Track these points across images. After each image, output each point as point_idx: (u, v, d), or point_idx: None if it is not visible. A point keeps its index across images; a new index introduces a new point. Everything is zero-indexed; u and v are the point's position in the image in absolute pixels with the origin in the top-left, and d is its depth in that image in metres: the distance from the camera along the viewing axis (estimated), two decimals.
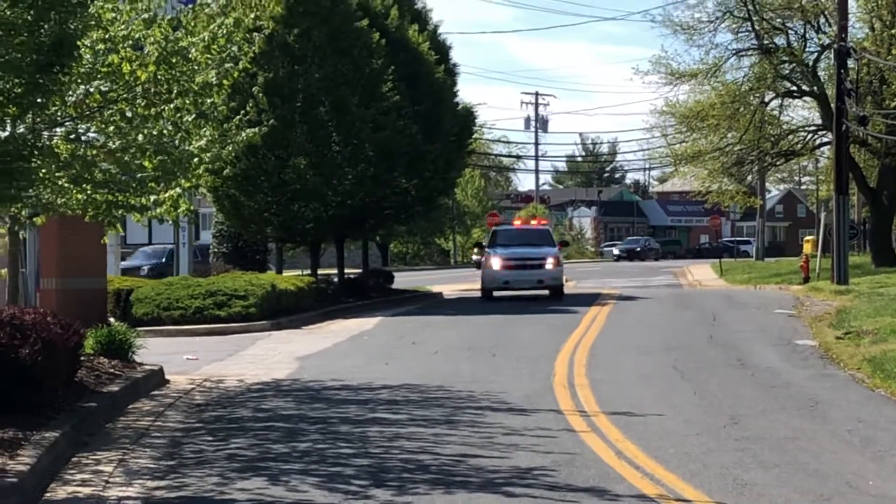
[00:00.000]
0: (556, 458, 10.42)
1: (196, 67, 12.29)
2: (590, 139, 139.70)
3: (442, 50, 36.77)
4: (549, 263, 33.42)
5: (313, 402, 14.10)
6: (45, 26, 9.95)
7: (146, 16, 11.77)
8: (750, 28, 42.88)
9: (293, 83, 30.22)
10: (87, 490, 9.46)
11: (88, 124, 11.84)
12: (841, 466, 10.12)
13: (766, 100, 45.30)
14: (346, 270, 36.74)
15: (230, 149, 14.72)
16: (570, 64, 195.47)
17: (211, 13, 12.47)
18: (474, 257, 62.74)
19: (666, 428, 11.99)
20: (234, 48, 12.61)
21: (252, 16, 12.60)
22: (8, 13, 9.75)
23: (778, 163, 50.89)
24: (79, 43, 10.56)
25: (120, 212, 13.16)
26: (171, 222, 14.11)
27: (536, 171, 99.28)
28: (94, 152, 11.86)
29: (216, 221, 40.40)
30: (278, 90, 29.61)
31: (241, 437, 11.84)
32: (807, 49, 43.40)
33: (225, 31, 12.33)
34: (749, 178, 52.34)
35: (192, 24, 12.37)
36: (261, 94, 26.67)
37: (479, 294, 34.01)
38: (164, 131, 12.18)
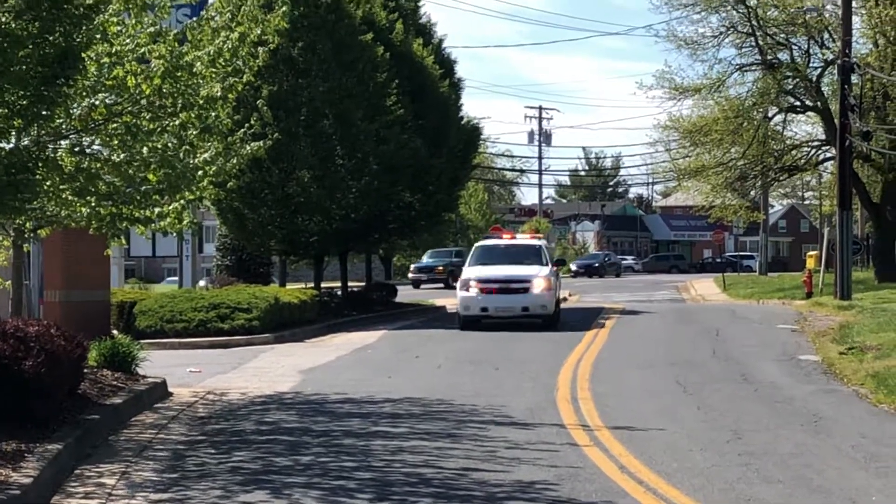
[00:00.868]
0: (559, 472, 10.41)
1: (201, 81, 12.31)
2: (593, 153, 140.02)
3: (446, 64, 36.82)
4: (538, 287, 26.85)
5: (316, 416, 14.08)
6: (51, 38, 9.97)
7: (152, 30, 11.81)
8: (753, 43, 42.87)
9: (297, 96, 30.26)
10: (90, 503, 9.47)
11: (93, 137, 11.89)
12: (844, 482, 10.09)
13: (770, 115, 45.26)
14: (350, 283, 36.75)
15: (234, 162, 14.72)
16: (573, 78, 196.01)
17: (216, 26, 12.48)
18: (411, 275, 58.70)
19: (669, 442, 11.98)
20: (239, 62, 12.62)
21: (258, 30, 12.61)
22: (13, 25, 9.76)
23: (781, 178, 50.84)
24: (84, 56, 10.59)
25: (124, 224, 13.20)
26: (174, 235, 14.16)
27: (540, 185, 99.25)
28: (99, 165, 11.90)
29: (220, 234, 40.46)
30: (283, 103, 29.63)
31: (243, 450, 11.83)
32: (810, 64, 43.39)
33: (230, 46, 12.34)
34: (752, 192, 52.31)
35: (198, 38, 12.39)
36: (265, 108, 26.55)
37: None
38: (169, 144, 12.21)
